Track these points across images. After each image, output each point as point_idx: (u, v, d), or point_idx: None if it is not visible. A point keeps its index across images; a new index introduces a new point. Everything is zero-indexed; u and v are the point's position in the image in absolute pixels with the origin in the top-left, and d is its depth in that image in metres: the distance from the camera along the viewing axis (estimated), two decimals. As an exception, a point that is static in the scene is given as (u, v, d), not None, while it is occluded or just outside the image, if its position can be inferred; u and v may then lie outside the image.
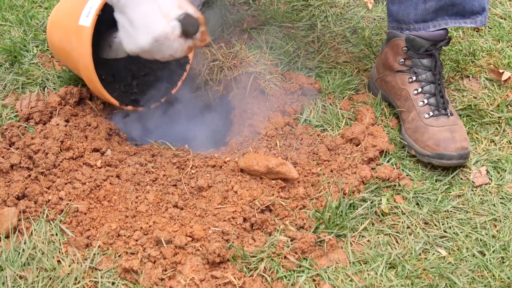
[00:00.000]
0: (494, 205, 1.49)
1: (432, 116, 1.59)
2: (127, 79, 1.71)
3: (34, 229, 1.36)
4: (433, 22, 1.60)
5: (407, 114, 1.63)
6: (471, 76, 1.89)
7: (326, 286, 1.28)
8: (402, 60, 1.65)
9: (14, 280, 1.26)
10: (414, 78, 1.63)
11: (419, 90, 1.62)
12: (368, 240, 1.39)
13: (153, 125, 1.79)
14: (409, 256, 1.36)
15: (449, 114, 1.59)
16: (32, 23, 2.01)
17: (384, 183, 1.51)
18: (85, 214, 1.40)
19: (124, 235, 1.36)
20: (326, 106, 1.74)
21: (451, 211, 1.47)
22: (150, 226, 1.37)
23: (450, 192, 1.52)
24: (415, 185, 1.53)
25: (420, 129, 1.58)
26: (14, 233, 1.36)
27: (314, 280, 1.30)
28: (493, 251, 1.37)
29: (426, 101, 1.61)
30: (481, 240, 1.40)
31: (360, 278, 1.31)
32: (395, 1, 1.64)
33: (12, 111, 1.69)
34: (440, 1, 1.57)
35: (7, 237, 1.35)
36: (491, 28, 2.10)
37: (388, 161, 1.58)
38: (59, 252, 1.33)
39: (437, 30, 1.60)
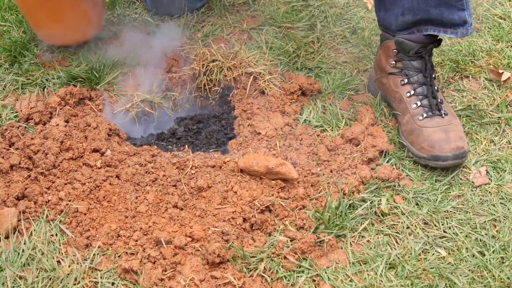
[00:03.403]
0: (494, 205, 1.49)
1: (426, 117, 1.58)
2: None
3: (34, 230, 1.36)
4: (416, 27, 1.60)
5: (402, 116, 1.63)
6: (470, 76, 1.89)
7: (326, 286, 1.28)
8: (393, 62, 1.65)
9: (14, 280, 1.26)
10: (406, 80, 1.64)
11: (412, 92, 1.62)
12: (368, 240, 1.39)
13: (152, 125, 1.80)
14: (408, 256, 1.36)
15: (443, 114, 1.59)
16: (32, 23, 2.01)
17: (384, 183, 1.51)
18: (85, 214, 1.40)
19: (124, 236, 1.36)
20: (325, 107, 1.74)
21: (450, 211, 1.47)
22: (150, 227, 1.37)
23: (450, 193, 1.52)
24: (415, 185, 1.53)
25: (415, 131, 1.58)
26: (14, 233, 1.36)
27: (314, 281, 1.30)
28: (493, 251, 1.37)
29: (419, 103, 1.61)
30: (480, 240, 1.40)
31: (360, 278, 1.31)
32: (381, 8, 1.66)
33: (12, 111, 1.69)
34: (416, 16, 1.57)
35: (7, 237, 1.35)
36: (490, 29, 2.10)
37: (387, 162, 1.58)
38: (59, 252, 1.33)
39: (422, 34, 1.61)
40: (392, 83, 1.66)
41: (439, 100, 1.61)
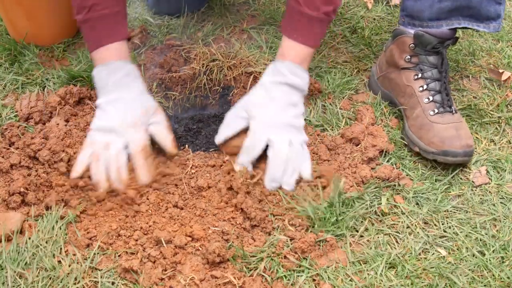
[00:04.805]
0: (494, 205, 1.49)
1: (437, 113, 1.58)
2: None
3: (35, 229, 1.36)
4: (447, 21, 1.61)
5: (412, 111, 1.63)
6: (471, 76, 1.89)
7: (326, 286, 1.28)
8: (409, 57, 1.65)
9: (14, 279, 1.26)
10: (419, 75, 1.64)
11: (425, 87, 1.62)
12: (368, 240, 1.39)
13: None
14: (409, 256, 1.36)
15: (454, 111, 1.59)
16: (32, 23, 2.01)
17: (384, 183, 1.51)
18: (85, 214, 1.40)
19: (124, 235, 1.35)
20: (326, 106, 1.74)
21: (451, 211, 1.47)
22: (150, 226, 1.37)
23: (450, 192, 1.52)
24: (415, 185, 1.53)
25: (425, 126, 1.57)
26: (16, 233, 1.36)
27: (314, 280, 1.30)
28: (493, 251, 1.37)
29: (431, 98, 1.61)
30: (481, 240, 1.40)
31: (360, 278, 1.31)
32: None
33: (11, 111, 1.69)
34: (456, 2, 1.57)
35: (8, 238, 1.35)
36: (490, 28, 2.10)
37: (388, 161, 1.58)
38: (60, 252, 1.33)
39: (449, 29, 1.61)
40: (404, 78, 1.66)
41: (451, 96, 1.61)
